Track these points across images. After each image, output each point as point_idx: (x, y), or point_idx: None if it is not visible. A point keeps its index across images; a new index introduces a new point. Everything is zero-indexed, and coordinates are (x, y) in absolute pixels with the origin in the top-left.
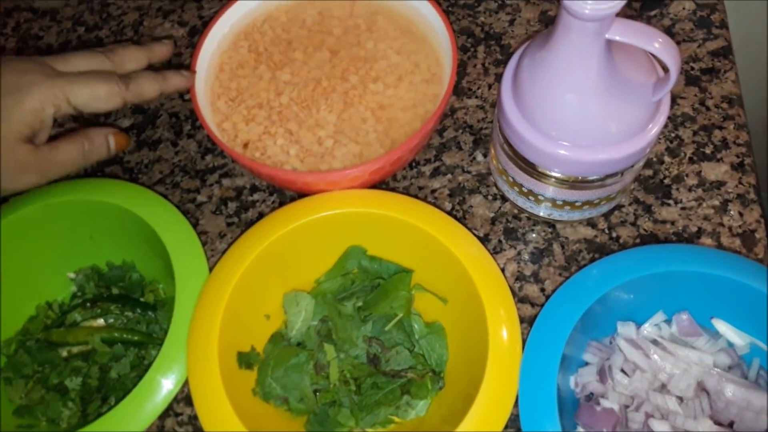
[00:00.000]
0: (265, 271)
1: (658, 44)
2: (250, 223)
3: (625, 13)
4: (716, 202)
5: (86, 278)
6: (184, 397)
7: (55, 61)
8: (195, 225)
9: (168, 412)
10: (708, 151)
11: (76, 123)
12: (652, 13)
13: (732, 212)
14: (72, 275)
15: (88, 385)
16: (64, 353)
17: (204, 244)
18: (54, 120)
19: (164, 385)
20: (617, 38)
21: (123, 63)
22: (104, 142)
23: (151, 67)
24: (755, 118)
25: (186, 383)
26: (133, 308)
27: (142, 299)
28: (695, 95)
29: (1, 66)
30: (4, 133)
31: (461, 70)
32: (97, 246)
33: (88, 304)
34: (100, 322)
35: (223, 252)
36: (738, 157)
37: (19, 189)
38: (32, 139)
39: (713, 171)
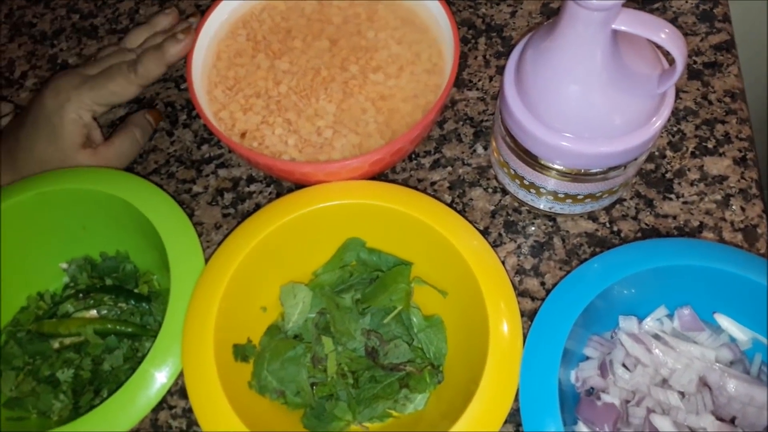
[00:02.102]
0: (262, 263)
1: (665, 35)
2: (247, 215)
3: (627, 5)
4: (718, 197)
5: (79, 269)
6: (178, 390)
7: (88, 66)
8: (191, 216)
9: (162, 405)
10: (710, 145)
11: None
12: (655, 6)
13: (734, 207)
14: (64, 266)
15: (80, 378)
16: (56, 345)
17: (199, 235)
18: (95, 120)
19: (158, 377)
20: (623, 28)
21: (137, 46)
22: (146, 123)
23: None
24: (758, 112)
25: (180, 376)
26: (126, 299)
27: (136, 290)
28: (698, 89)
29: (44, 93)
30: (65, 148)
31: (462, 61)
32: (90, 236)
33: (81, 295)
34: (93, 313)
35: (219, 243)
36: (740, 151)
37: None
38: (88, 144)
39: (715, 165)
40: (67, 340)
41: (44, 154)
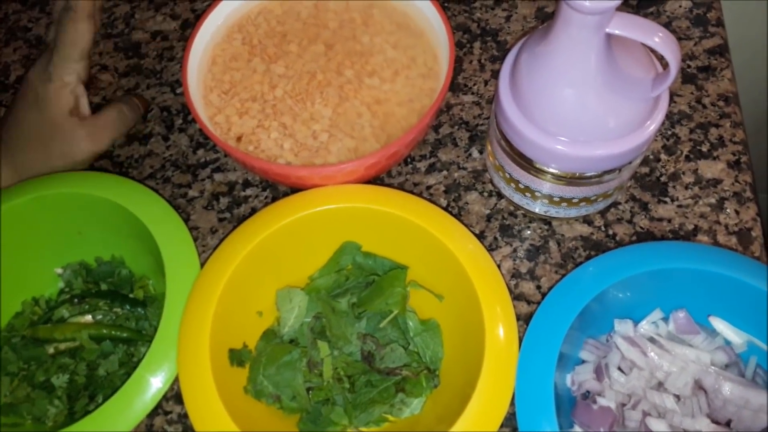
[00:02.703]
0: (258, 268)
1: (659, 38)
2: (243, 219)
3: (622, 10)
4: (713, 200)
5: (74, 274)
6: (173, 395)
7: (51, 39)
8: (186, 220)
9: (157, 410)
10: (704, 149)
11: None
12: (649, 10)
13: (728, 210)
14: (59, 271)
15: (75, 383)
16: (51, 350)
17: (195, 240)
18: (84, 85)
19: (153, 382)
20: (617, 32)
21: None
22: (134, 103)
23: None
24: (751, 116)
25: (176, 381)
26: (122, 304)
27: (131, 295)
28: (692, 93)
29: (29, 77)
30: (52, 115)
31: (457, 66)
32: (85, 241)
33: (76, 300)
34: (88, 318)
35: (215, 248)
36: (734, 155)
37: (79, 159)
38: (76, 112)
39: (709, 169)
40: (62, 346)
41: (33, 124)
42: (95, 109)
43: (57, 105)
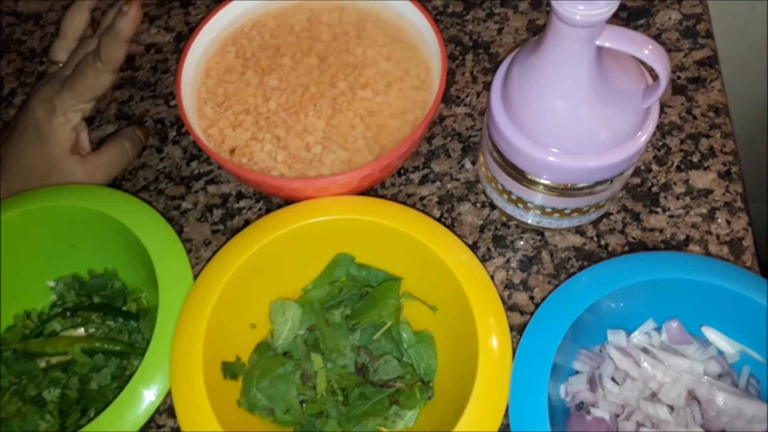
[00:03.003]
0: (251, 280)
1: (648, 51)
2: (236, 231)
3: (612, 22)
4: (704, 210)
5: (67, 287)
6: (166, 409)
7: (66, 68)
8: (180, 232)
9: (150, 424)
10: (695, 159)
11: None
12: (639, 23)
13: (719, 220)
14: (52, 284)
15: (67, 397)
16: (43, 364)
17: (188, 252)
18: (85, 121)
19: (146, 396)
20: (607, 45)
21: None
22: (136, 137)
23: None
24: (741, 126)
25: (169, 394)
26: (114, 317)
27: (124, 308)
28: (682, 104)
29: (31, 104)
30: (52, 152)
31: (449, 78)
32: (78, 253)
33: (69, 314)
34: (81, 331)
35: (208, 260)
36: (725, 165)
37: None
38: (76, 150)
39: (700, 179)
40: (54, 359)
41: (32, 160)
42: (91, 122)
43: (58, 142)
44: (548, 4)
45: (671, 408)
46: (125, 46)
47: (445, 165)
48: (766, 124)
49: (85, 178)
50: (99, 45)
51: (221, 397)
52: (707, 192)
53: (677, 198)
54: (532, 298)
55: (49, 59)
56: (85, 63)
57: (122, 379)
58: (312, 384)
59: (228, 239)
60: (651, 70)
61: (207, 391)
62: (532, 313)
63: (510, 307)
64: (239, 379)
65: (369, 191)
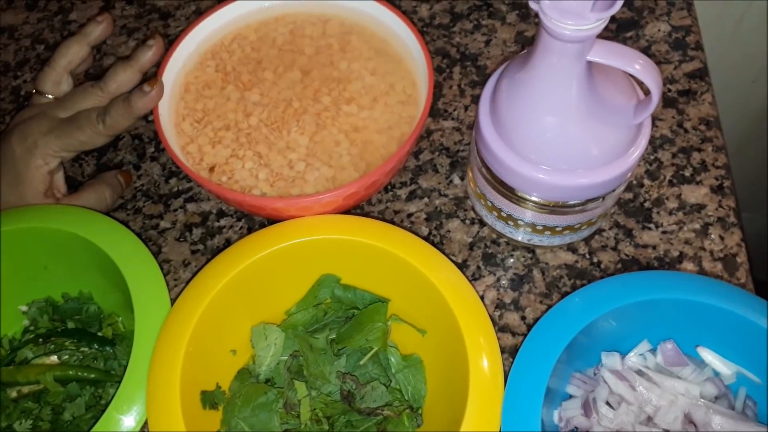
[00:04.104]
0: (232, 303)
1: (639, 66)
2: (217, 251)
3: (601, 35)
4: (697, 226)
5: (40, 311)
6: None
7: (58, 108)
8: (158, 253)
9: None
10: (687, 173)
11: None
12: (628, 35)
13: (713, 236)
14: (24, 308)
15: (40, 429)
16: (14, 394)
17: (167, 273)
18: (62, 165)
19: (122, 426)
20: (598, 59)
21: (119, 89)
22: (117, 183)
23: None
24: (729, 137)
25: (145, 425)
26: (89, 343)
27: (99, 333)
28: (673, 117)
29: (11, 138)
30: (24, 194)
31: (437, 91)
32: (51, 277)
33: (41, 340)
34: (54, 359)
35: (187, 282)
36: (717, 179)
37: None
38: (50, 192)
39: (693, 194)
40: (26, 389)
41: (4, 198)
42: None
43: (32, 184)
44: (537, 16)
45: None
46: (133, 121)
47: (432, 181)
48: (755, 134)
49: None
50: (108, 109)
51: (200, 428)
52: (700, 207)
53: (670, 213)
54: (523, 318)
55: (35, 88)
56: (86, 119)
57: (97, 409)
58: (296, 413)
59: (208, 260)
60: (642, 83)
61: (185, 422)
62: (523, 335)
63: (501, 328)
64: (219, 408)
65: (355, 208)
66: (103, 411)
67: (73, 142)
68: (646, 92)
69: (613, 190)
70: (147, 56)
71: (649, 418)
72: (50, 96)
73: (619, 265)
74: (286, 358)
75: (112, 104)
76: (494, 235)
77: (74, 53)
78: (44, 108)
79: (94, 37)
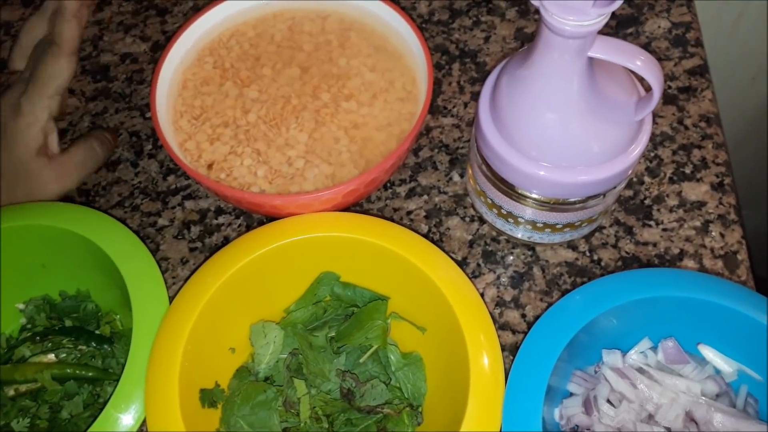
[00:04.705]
0: (231, 301)
1: (641, 62)
2: (215, 249)
3: (601, 31)
4: (697, 223)
5: (37, 309)
6: None
7: (24, 72)
8: (156, 251)
9: None
10: (688, 170)
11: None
12: (628, 31)
13: (713, 233)
14: (21, 306)
15: (37, 427)
16: (11, 392)
17: (165, 271)
18: (54, 123)
19: (120, 424)
20: (599, 56)
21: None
22: (105, 138)
23: None
24: (728, 135)
25: (144, 423)
26: (87, 341)
27: (97, 331)
28: (673, 114)
29: None
30: (18, 155)
31: (436, 88)
32: (49, 275)
33: (38, 338)
34: (51, 357)
35: (186, 279)
36: (717, 177)
37: (46, 199)
38: (44, 151)
39: (693, 191)
40: (23, 387)
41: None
42: (63, 136)
43: (25, 144)
44: (537, 13)
45: (668, 430)
46: (75, 22)
47: (432, 178)
48: (754, 132)
49: (54, 180)
50: (51, 28)
51: (199, 427)
52: (700, 204)
53: (670, 211)
54: (524, 316)
55: (8, 70)
56: (42, 52)
57: (95, 408)
58: (295, 411)
59: (206, 258)
60: (642, 80)
61: (184, 421)
62: (524, 332)
63: (501, 326)
64: (218, 406)
65: (354, 206)
66: (101, 409)
67: (44, 80)
68: (647, 89)
69: (614, 188)
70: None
71: (650, 416)
72: None
73: (620, 263)
74: (286, 356)
75: (51, 23)
76: (494, 233)
77: (36, 28)
78: (17, 79)
79: (52, 10)
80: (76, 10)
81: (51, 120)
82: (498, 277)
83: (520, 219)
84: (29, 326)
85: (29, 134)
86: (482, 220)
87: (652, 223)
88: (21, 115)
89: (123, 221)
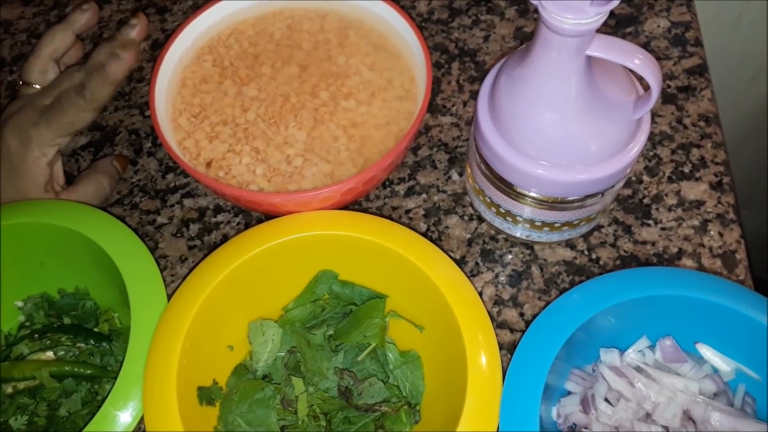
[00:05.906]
0: (229, 299)
1: (639, 60)
2: (214, 247)
3: (600, 30)
4: (696, 222)
5: (36, 307)
6: None
7: (43, 95)
8: (154, 248)
9: None
10: (686, 170)
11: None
12: (627, 30)
13: (712, 232)
14: (20, 304)
15: (35, 424)
16: (9, 389)
17: (164, 269)
18: (60, 155)
19: (118, 422)
20: (597, 54)
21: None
22: (114, 170)
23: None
24: (728, 134)
25: (142, 421)
26: (85, 339)
27: (95, 329)
28: (672, 113)
29: (3, 132)
30: (25, 190)
31: (435, 86)
32: (48, 272)
33: (37, 335)
34: (50, 354)
35: (184, 277)
36: (716, 176)
37: None
38: (50, 186)
39: (692, 190)
40: (22, 384)
41: (3, 194)
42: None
43: (32, 178)
44: (536, 11)
45: (666, 429)
46: (113, 88)
47: (431, 176)
48: (753, 132)
49: None
50: (86, 82)
51: (197, 424)
52: (699, 203)
53: (669, 210)
54: (522, 314)
55: (21, 79)
56: (67, 99)
57: (93, 405)
58: (293, 409)
59: (205, 255)
60: (641, 79)
61: (182, 419)
62: (522, 331)
63: (499, 325)
64: (216, 404)
65: (352, 204)
66: (99, 407)
67: (60, 125)
68: (646, 88)
69: (612, 186)
70: (129, 34)
71: (648, 415)
72: (37, 86)
73: (618, 262)
74: (284, 354)
75: (89, 77)
76: (493, 232)
77: (59, 41)
78: (31, 98)
79: (78, 25)
80: (118, 80)
81: (58, 155)
82: (496, 276)
83: (518, 218)
84: (28, 324)
85: (36, 169)
86: (481, 219)
87: (650, 222)
88: (30, 150)
89: (122, 219)
